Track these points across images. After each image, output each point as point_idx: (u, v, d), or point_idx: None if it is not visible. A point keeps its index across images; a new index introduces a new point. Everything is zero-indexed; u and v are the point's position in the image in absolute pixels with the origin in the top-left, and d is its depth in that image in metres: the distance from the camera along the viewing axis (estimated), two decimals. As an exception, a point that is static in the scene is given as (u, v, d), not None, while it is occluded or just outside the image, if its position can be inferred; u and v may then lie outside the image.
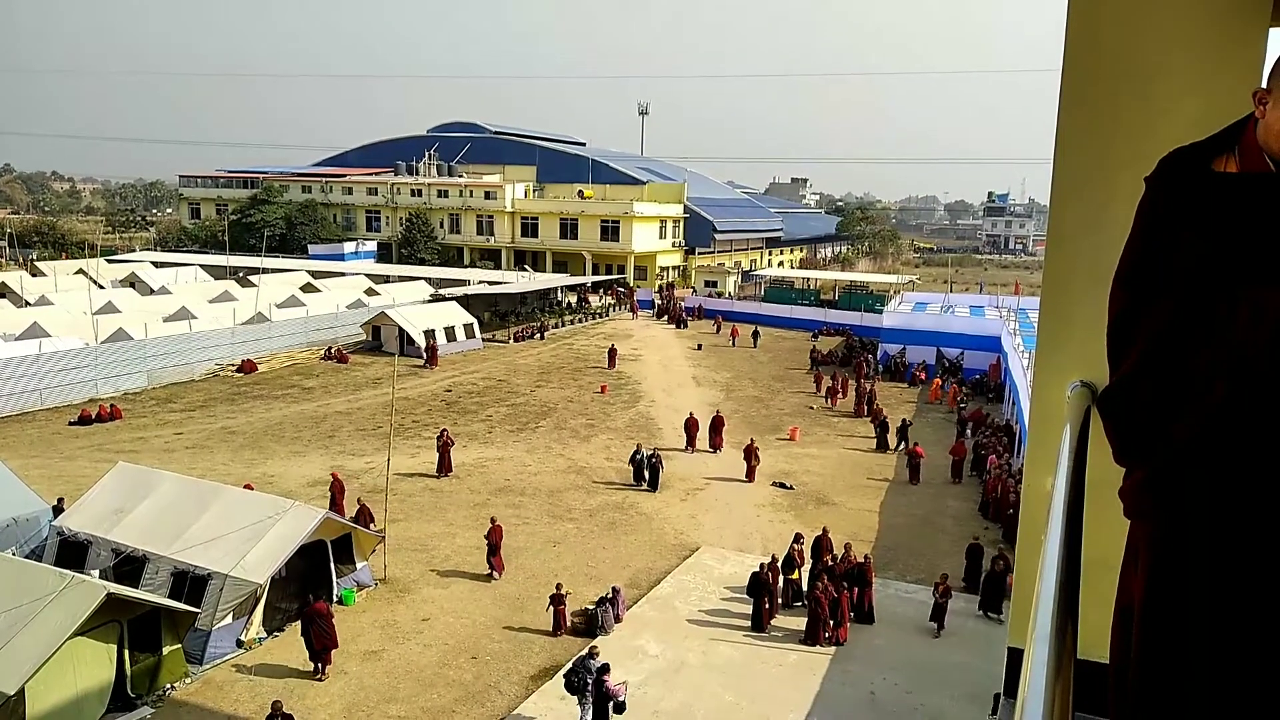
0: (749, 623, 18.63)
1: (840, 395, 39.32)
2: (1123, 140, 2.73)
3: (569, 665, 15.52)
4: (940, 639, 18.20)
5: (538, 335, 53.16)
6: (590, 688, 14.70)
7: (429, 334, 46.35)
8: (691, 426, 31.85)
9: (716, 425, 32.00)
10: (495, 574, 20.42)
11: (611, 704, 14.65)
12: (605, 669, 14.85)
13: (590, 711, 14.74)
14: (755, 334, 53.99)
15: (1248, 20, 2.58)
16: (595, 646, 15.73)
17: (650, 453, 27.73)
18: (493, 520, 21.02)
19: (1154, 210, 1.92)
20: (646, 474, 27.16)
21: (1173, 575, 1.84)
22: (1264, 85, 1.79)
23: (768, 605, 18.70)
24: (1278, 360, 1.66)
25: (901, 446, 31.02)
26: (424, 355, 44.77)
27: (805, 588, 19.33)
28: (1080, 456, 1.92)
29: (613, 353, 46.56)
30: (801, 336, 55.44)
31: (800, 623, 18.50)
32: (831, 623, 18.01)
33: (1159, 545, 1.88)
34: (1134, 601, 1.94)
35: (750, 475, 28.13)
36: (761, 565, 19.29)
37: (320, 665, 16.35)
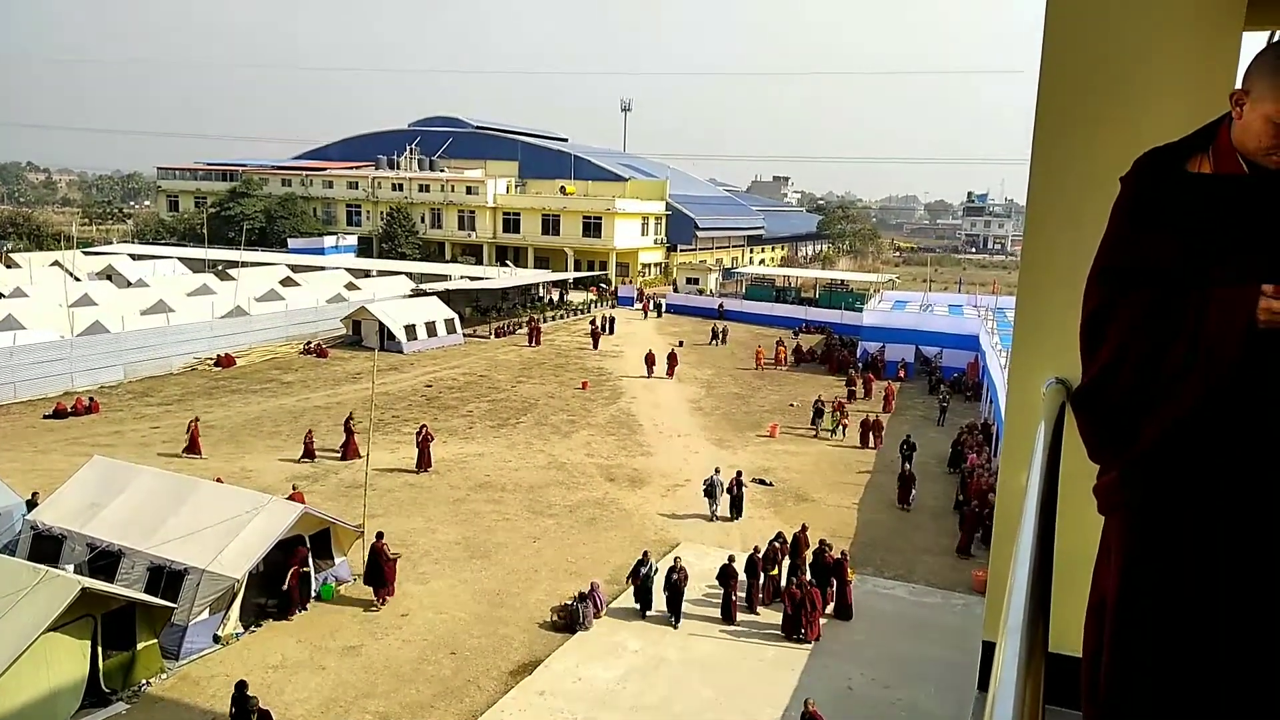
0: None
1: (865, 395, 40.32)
2: (1099, 141, 2.76)
3: (707, 482, 24.59)
4: (920, 634, 18.27)
5: (526, 332, 52.82)
6: (721, 489, 24.24)
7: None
8: (650, 360, 42.63)
9: (671, 359, 43.30)
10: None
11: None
12: (739, 474, 25.08)
13: (719, 506, 24.42)
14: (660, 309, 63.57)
15: (1223, 23, 2.62)
16: (718, 467, 25.41)
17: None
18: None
19: (1129, 209, 1.94)
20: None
21: (1146, 571, 1.86)
22: (1240, 87, 1.82)
23: (735, 598, 18.77)
24: (1248, 359, 1.68)
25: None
26: (530, 335, 50.43)
27: (784, 584, 19.45)
28: (1054, 452, 1.94)
29: (596, 334, 50.65)
30: (775, 336, 55.54)
31: (779, 618, 18.58)
32: (805, 615, 18.07)
33: (1132, 541, 1.90)
34: (1107, 596, 1.96)
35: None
36: (730, 557, 19.45)
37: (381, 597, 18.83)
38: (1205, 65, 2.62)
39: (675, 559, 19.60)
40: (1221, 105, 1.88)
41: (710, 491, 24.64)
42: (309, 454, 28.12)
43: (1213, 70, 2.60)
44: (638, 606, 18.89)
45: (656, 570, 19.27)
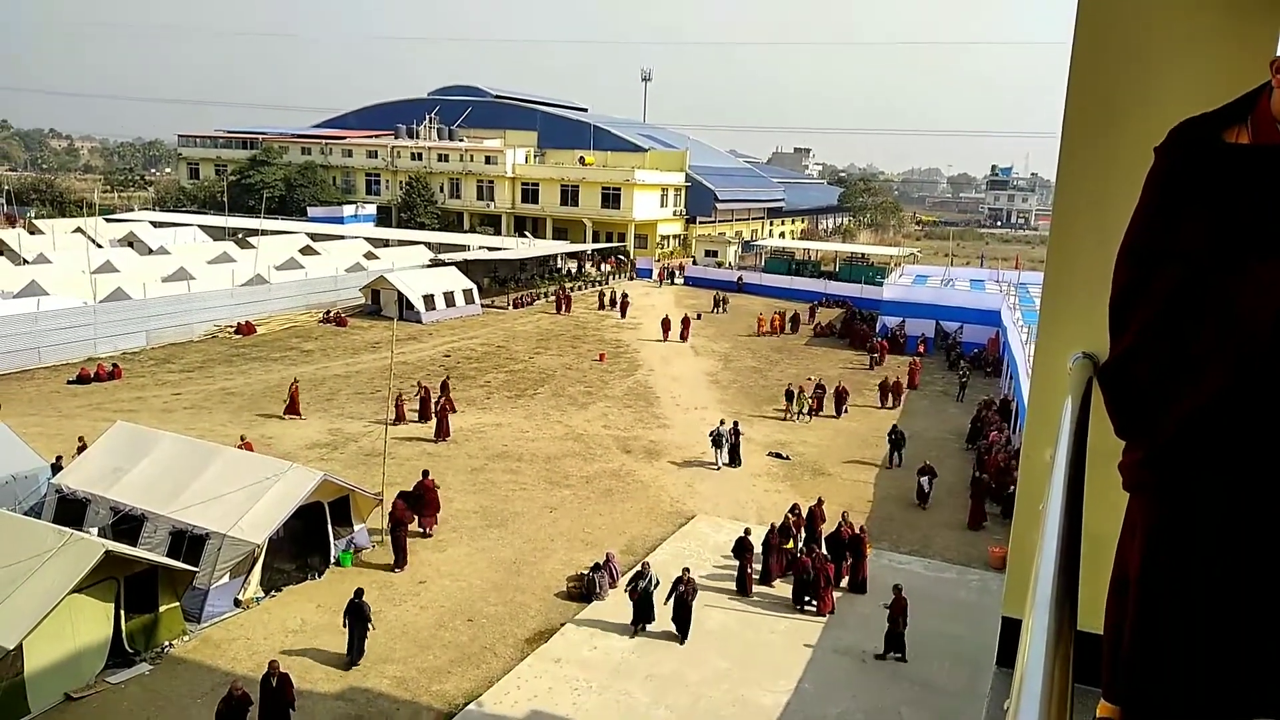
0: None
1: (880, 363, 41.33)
2: (1131, 113, 2.71)
3: (713, 432, 26.79)
4: (935, 609, 18.29)
5: (554, 300, 53.03)
6: (727, 440, 26.38)
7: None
8: (665, 324, 44.95)
9: (685, 322, 45.45)
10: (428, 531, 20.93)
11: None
12: (736, 424, 27.32)
13: (726, 454, 26.38)
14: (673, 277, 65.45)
15: (1262, -7, 2.55)
16: (723, 419, 28.14)
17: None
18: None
19: (1162, 181, 1.89)
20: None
21: (1170, 550, 1.84)
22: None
23: (750, 571, 18.83)
24: (1278, 342, 1.65)
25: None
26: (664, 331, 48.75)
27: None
28: (1081, 428, 1.91)
29: (621, 304, 51.57)
30: (798, 309, 55.34)
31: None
32: (819, 587, 18.12)
33: (1157, 520, 1.88)
34: (1130, 574, 1.94)
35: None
36: (746, 530, 19.51)
37: (426, 528, 20.67)
38: (1243, 36, 2.56)
39: (684, 569, 17.51)
40: (1260, 77, 1.83)
41: (717, 441, 26.61)
42: (400, 417, 28.50)
43: (1251, 41, 2.53)
44: (631, 622, 17.02)
45: (658, 583, 17.25)
